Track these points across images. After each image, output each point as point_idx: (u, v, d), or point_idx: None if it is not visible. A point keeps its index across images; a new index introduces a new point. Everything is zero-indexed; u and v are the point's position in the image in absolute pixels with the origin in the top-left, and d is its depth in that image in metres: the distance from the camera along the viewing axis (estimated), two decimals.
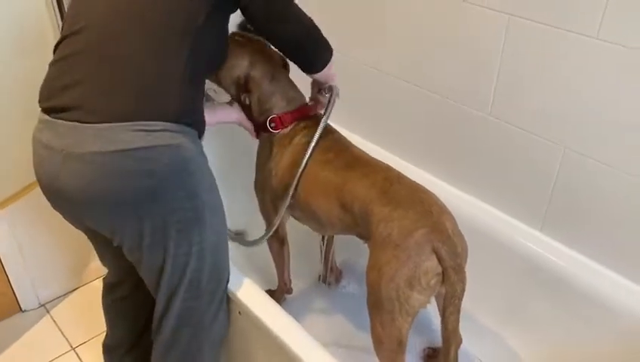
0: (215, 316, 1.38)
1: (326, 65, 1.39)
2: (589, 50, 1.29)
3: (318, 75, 1.43)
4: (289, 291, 1.80)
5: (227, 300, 1.44)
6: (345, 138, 1.54)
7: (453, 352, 1.34)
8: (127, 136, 1.09)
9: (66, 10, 1.59)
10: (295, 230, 1.67)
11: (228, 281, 1.40)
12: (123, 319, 1.58)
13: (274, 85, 1.50)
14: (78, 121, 1.10)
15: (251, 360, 1.53)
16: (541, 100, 1.43)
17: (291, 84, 1.54)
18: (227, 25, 1.28)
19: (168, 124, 1.13)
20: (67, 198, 1.16)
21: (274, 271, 1.77)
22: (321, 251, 1.89)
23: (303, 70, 1.40)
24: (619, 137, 1.32)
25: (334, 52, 1.38)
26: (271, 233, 1.57)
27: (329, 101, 1.50)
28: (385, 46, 1.76)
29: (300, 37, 1.29)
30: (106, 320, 1.61)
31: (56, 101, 1.14)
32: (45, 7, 1.65)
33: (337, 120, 2.01)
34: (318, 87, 1.55)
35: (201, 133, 1.25)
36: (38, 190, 1.22)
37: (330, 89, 1.51)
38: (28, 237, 1.92)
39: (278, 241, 1.69)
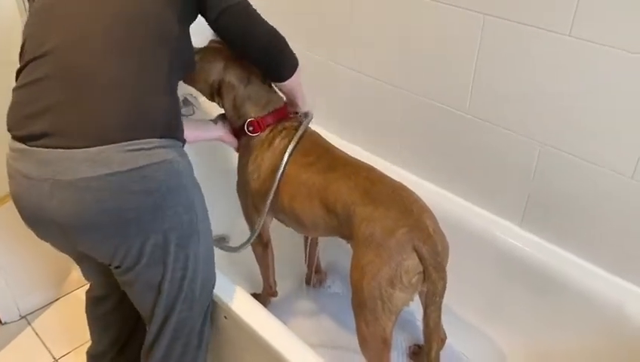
0: (204, 323, 1.38)
1: (294, 71, 1.41)
2: (562, 47, 1.31)
3: (287, 84, 1.45)
4: (274, 294, 1.80)
5: (213, 304, 1.43)
6: (325, 139, 1.55)
7: (435, 349, 1.36)
8: (120, 157, 1.06)
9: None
10: (279, 233, 1.67)
11: (214, 286, 1.39)
12: (109, 331, 1.57)
13: (250, 89, 1.50)
14: (63, 148, 1.05)
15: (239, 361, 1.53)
16: (517, 97, 1.45)
17: (268, 88, 1.54)
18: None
19: (159, 140, 1.11)
20: (59, 226, 1.11)
21: (259, 274, 1.77)
22: (306, 253, 1.89)
23: (273, 79, 1.46)
24: (594, 132, 1.35)
25: (302, 62, 1.44)
26: (254, 238, 1.57)
27: (301, 123, 1.52)
28: (362, 47, 1.78)
29: (269, 45, 1.33)
30: (91, 332, 1.59)
31: (31, 128, 1.07)
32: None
33: (317, 121, 2.02)
34: (293, 111, 1.57)
35: (184, 143, 1.24)
36: None
37: (306, 115, 1.55)
38: (7, 248, 1.89)
39: (261, 245, 1.69)
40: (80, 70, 1.08)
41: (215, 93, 1.50)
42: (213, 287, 1.37)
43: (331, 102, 1.98)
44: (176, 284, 1.23)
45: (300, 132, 1.48)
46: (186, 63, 1.27)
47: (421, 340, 1.69)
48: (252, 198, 1.57)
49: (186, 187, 1.18)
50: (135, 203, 1.09)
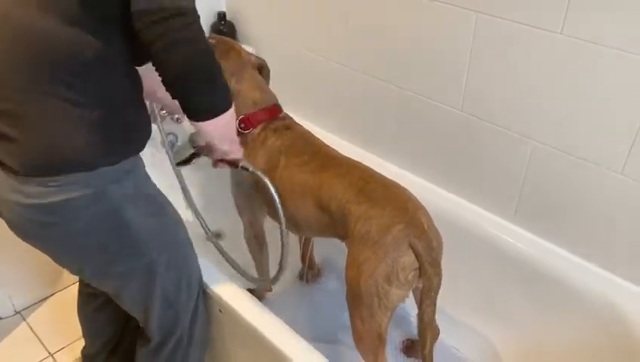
0: (193, 319, 1.39)
1: (212, 112, 1.07)
2: (554, 45, 1.33)
3: (205, 129, 1.11)
4: (269, 289, 1.81)
5: (207, 298, 1.44)
6: (317, 138, 1.55)
7: (430, 343, 1.37)
8: (38, 190, 1.03)
9: None
10: (274, 228, 1.68)
11: (200, 280, 1.40)
12: (101, 328, 1.57)
13: (241, 85, 1.50)
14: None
15: (233, 357, 1.54)
16: (510, 95, 1.46)
17: (260, 85, 1.54)
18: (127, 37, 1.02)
19: (82, 174, 1.04)
20: None
21: (254, 269, 1.78)
22: (301, 249, 1.90)
23: (184, 109, 1.06)
24: (585, 129, 1.36)
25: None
26: (281, 275, 1.53)
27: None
28: (356, 44, 1.78)
29: (189, 57, 0.98)
30: (84, 330, 1.60)
31: None
32: None
33: (310, 117, 2.03)
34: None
35: (138, 149, 1.15)
36: None
37: (244, 168, 1.37)
38: (1, 244, 1.89)
39: (256, 240, 1.70)
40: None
41: None
42: (195, 284, 1.37)
43: (324, 99, 1.99)
44: (138, 300, 1.26)
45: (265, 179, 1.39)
46: (123, 80, 1.07)
47: (414, 335, 1.70)
48: (246, 196, 1.58)
49: (129, 223, 1.13)
50: (58, 238, 1.12)
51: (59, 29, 0.96)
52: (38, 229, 1.09)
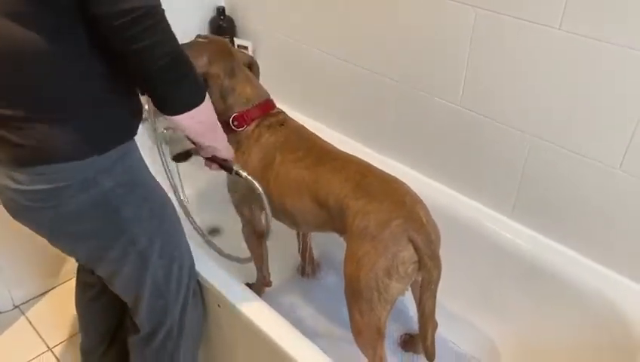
0: (183, 311, 1.39)
1: (186, 106, 1.08)
2: (553, 41, 1.33)
3: (181, 123, 1.11)
4: (269, 284, 1.81)
5: (206, 293, 1.45)
6: (312, 132, 1.55)
7: (431, 335, 1.38)
8: (26, 178, 1.05)
9: None
10: (273, 223, 1.68)
11: (192, 270, 1.40)
12: (97, 318, 1.58)
13: (233, 82, 1.51)
14: None
15: (232, 352, 1.54)
16: (508, 90, 1.46)
17: (251, 82, 1.54)
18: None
19: (70, 164, 1.05)
20: None
21: (253, 264, 1.78)
22: (299, 243, 1.91)
23: (156, 105, 1.07)
24: (583, 125, 1.36)
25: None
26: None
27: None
28: (355, 39, 1.78)
29: (159, 57, 0.97)
30: (81, 323, 1.60)
31: None
32: None
33: (308, 112, 2.03)
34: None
35: (128, 137, 1.14)
36: None
37: (237, 174, 1.36)
38: (0, 238, 1.89)
39: (255, 235, 1.70)
40: None
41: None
42: (186, 273, 1.37)
43: (322, 94, 1.99)
44: (133, 278, 1.26)
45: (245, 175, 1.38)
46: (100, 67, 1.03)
47: (412, 329, 1.71)
48: (242, 193, 1.58)
49: (117, 209, 1.14)
50: (50, 225, 1.14)
51: (11, 25, 0.94)
52: (27, 213, 1.12)
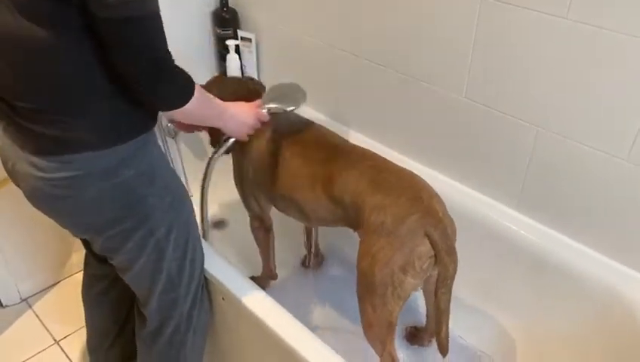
0: (192, 306, 1.40)
1: (179, 104, 1.12)
2: (560, 30, 1.31)
3: (177, 116, 1.18)
4: (274, 277, 1.82)
5: (210, 286, 1.45)
6: (321, 126, 1.55)
7: (445, 330, 1.38)
8: (50, 165, 1.08)
9: None
10: (278, 215, 1.68)
11: (202, 264, 1.40)
12: (104, 312, 1.59)
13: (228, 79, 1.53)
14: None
15: (236, 345, 1.54)
16: (514, 81, 1.45)
17: (244, 81, 1.56)
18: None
19: (92, 153, 1.08)
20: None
21: (257, 257, 1.78)
22: (305, 236, 1.90)
23: (148, 105, 1.14)
24: (590, 115, 1.35)
25: None
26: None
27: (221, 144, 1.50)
28: (358, 29, 1.77)
29: (149, 63, 1.02)
30: (87, 315, 1.61)
31: None
32: None
33: (311, 103, 2.02)
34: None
35: (148, 127, 1.18)
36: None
37: (226, 140, 1.47)
38: (7, 231, 1.90)
39: (263, 230, 1.70)
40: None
41: None
42: (198, 267, 1.38)
43: (325, 85, 1.98)
44: (148, 268, 1.27)
45: (222, 149, 1.48)
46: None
47: (418, 322, 1.71)
48: (248, 189, 1.59)
49: (142, 198, 1.17)
50: (74, 214, 1.17)
51: (16, 23, 0.96)
52: (50, 201, 1.14)
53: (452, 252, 1.27)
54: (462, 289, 1.60)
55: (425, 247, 1.25)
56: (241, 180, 1.60)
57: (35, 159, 1.08)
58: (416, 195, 1.29)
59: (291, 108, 1.45)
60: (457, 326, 1.67)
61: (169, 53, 1.05)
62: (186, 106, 1.13)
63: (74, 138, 1.06)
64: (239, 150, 1.57)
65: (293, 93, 1.51)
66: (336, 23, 1.83)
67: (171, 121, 1.37)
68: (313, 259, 1.95)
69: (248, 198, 1.62)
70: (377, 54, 1.75)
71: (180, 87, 1.12)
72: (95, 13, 0.94)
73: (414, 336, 1.69)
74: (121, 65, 1.01)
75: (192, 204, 1.31)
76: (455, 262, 1.28)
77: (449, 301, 1.33)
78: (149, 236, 1.21)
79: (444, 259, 1.25)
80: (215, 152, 1.50)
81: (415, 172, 1.39)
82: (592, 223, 1.46)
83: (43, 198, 1.14)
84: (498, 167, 1.59)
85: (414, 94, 1.70)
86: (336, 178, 1.37)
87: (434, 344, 1.61)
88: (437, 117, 1.68)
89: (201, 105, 1.19)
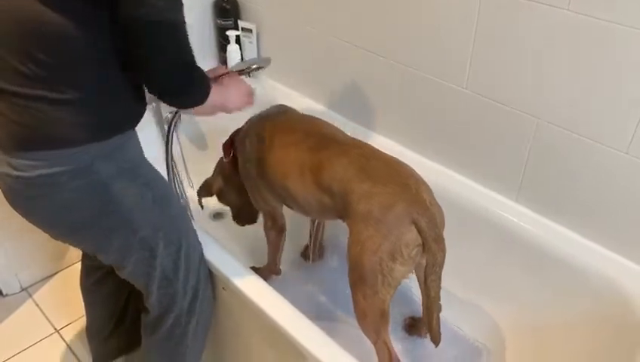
0: (194, 298, 1.39)
1: (198, 103, 1.18)
2: (561, 21, 1.31)
3: (194, 113, 1.31)
4: (277, 273, 1.82)
5: (211, 276, 1.45)
6: (312, 117, 1.55)
7: (436, 318, 1.38)
8: (25, 163, 1.05)
9: None
10: (292, 216, 1.69)
11: (200, 257, 1.40)
12: (102, 301, 1.59)
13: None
14: None
15: (237, 334, 1.55)
16: (515, 72, 1.45)
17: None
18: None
19: (67, 150, 1.06)
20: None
21: (259, 248, 1.78)
22: (311, 228, 1.91)
23: (167, 103, 1.17)
24: (590, 107, 1.35)
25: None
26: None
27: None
28: (359, 20, 1.76)
29: (173, 68, 1.06)
30: (86, 305, 1.62)
31: None
32: None
33: (311, 95, 2.02)
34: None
35: (128, 127, 1.17)
36: None
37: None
38: (7, 221, 1.90)
39: (275, 231, 1.72)
40: None
41: None
42: (195, 260, 1.37)
43: (325, 75, 1.97)
44: (137, 271, 1.27)
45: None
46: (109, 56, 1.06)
47: (416, 313, 1.71)
48: (256, 187, 1.60)
49: (114, 198, 1.14)
50: (47, 210, 1.14)
51: (46, 12, 0.96)
52: (26, 202, 1.12)
53: (440, 240, 1.27)
54: (458, 278, 1.61)
55: (412, 234, 1.25)
56: (247, 182, 1.62)
57: (12, 160, 1.06)
58: (403, 183, 1.29)
59: (255, 66, 1.58)
60: (454, 316, 1.68)
61: (193, 56, 1.08)
62: (209, 98, 1.17)
63: (50, 132, 1.03)
64: (241, 150, 1.58)
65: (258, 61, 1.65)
66: (338, 13, 1.82)
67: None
68: (314, 250, 1.95)
69: (256, 196, 1.64)
70: (378, 45, 1.75)
71: (203, 88, 1.16)
72: (128, 12, 0.96)
73: (413, 327, 1.70)
74: (148, 66, 1.03)
75: (176, 197, 1.31)
76: (443, 250, 1.28)
77: (439, 288, 1.34)
78: (132, 235, 1.20)
79: (431, 246, 1.26)
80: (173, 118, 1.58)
81: (414, 163, 1.39)
82: (591, 215, 1.46)
83: (19, 199, 1.12)
84: (498, 158, 1.59)
85: (414, 85, 1.70)
86: (325, 166, 1.37)
87: None
88: (437, 108, 1.68)
89: (211, 96, 1.20)
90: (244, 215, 1.83)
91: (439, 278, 1.32)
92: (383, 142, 1.62)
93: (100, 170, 1.10)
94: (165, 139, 1.66)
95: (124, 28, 0.99)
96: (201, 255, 1.40)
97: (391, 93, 1.79)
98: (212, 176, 1.68)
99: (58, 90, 1.01)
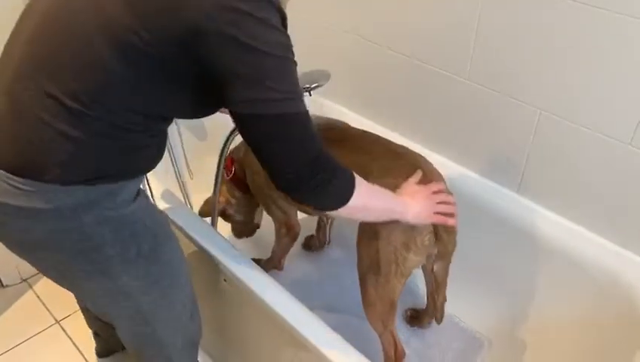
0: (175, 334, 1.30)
1: (339, 206, 1.04)
2: (563, 11, 1.30)
3: (339, 215, 1.07)
4: (280, 268, 1.82)
5: (212, 268, 1.44)
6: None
7: (442, 297, 1.39)
8: (8, 189, 0.94)
9: None
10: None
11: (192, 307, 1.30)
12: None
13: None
14: None
15: (237, 325, 1.55)
16: (517, 63, 1.44)
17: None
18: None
19: (51, 186, 0.93)
20: None
21: (261, 239, 1.78)
22: (320, 224, 1.91)
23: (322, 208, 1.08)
24: (593, 98, 1.34)
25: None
26: None
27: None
28: (363, 11, 1.75)
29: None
30: (79, 304, 1.61)
31: None
32: None
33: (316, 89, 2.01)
34: None
35: (130, 177, 1.04)
36: None
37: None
38: None
39: (291, 237, 1.73)
40: (8, 89, 0.96)
41: None
42: (180, 312, 1.25)
43: (329, 67, 1.96)
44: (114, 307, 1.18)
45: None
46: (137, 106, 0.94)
47: (418, 305, 1.72)
48: (267, 196, 1.62)
49: (99, 247, 1.02)
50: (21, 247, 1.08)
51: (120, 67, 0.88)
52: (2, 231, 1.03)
53: (451, 230, 1.28)
54: (461, 271, 1.61)
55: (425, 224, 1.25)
56: (257, 191, 1.64)
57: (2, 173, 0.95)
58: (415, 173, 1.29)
59: (315, 85, 1.50)
60: (456, 308, 1.68)
61: (323, 152, 0.97)
62: (349, 204, 1.02)
63: (40, 162, 0.92)
64: (247, 163, 1.61)
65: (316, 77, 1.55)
66: (340, 3, 1.81)
67: None
68: (317, 241, 1.95)
69: (270, 206, 1.65)
70: (380, 35, 1.74)
71: (340, 188, 1.02)
72: (240, 111, 0.90)
73: (414, 318, 1.70)
74: (267, 166, 0.95)
75: (177, 246, 1.18)
76: (454, 239, 1.30)
77: (446, 274, 1.38)
78: (109, 282, 1.08)
79: (442, 236, 1.27)
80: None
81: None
82: (593, 207, 1.46)
83: None
84: (500, 150, 1.59)
85: (417, 76, 1.69)
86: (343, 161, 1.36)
87: (434, 325, 1.62)
88: (439, 99, 1.67)
89: (366, 202, 1.08)
90: (244, 230, 1.84)
91: (448, 264, 1.35)
92: (382, 132, 1.61)
93: (82, 216, 0.98)
94: (219, 153, 1.62)
95: (234, 119, 0.91)
96: (193, 303, 1.30)
97: (393, 84, 1.78)
98: (213, 195, 1.67)
99: (71, 120, 0.91)
